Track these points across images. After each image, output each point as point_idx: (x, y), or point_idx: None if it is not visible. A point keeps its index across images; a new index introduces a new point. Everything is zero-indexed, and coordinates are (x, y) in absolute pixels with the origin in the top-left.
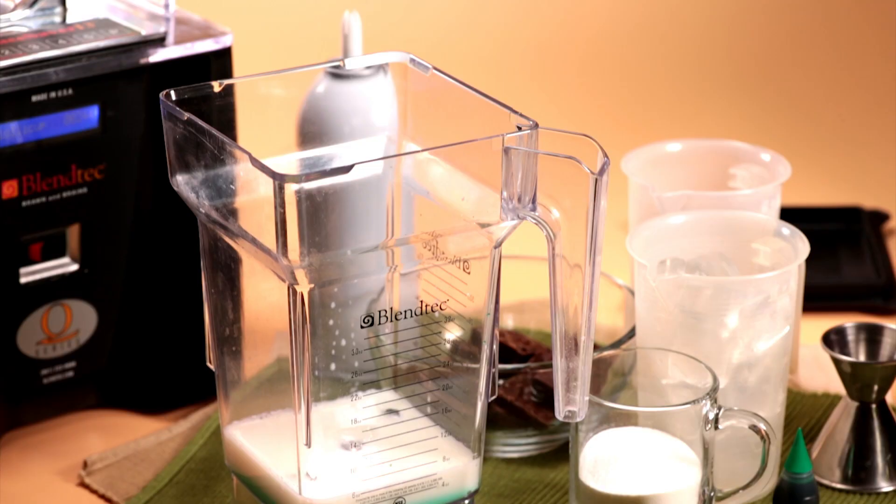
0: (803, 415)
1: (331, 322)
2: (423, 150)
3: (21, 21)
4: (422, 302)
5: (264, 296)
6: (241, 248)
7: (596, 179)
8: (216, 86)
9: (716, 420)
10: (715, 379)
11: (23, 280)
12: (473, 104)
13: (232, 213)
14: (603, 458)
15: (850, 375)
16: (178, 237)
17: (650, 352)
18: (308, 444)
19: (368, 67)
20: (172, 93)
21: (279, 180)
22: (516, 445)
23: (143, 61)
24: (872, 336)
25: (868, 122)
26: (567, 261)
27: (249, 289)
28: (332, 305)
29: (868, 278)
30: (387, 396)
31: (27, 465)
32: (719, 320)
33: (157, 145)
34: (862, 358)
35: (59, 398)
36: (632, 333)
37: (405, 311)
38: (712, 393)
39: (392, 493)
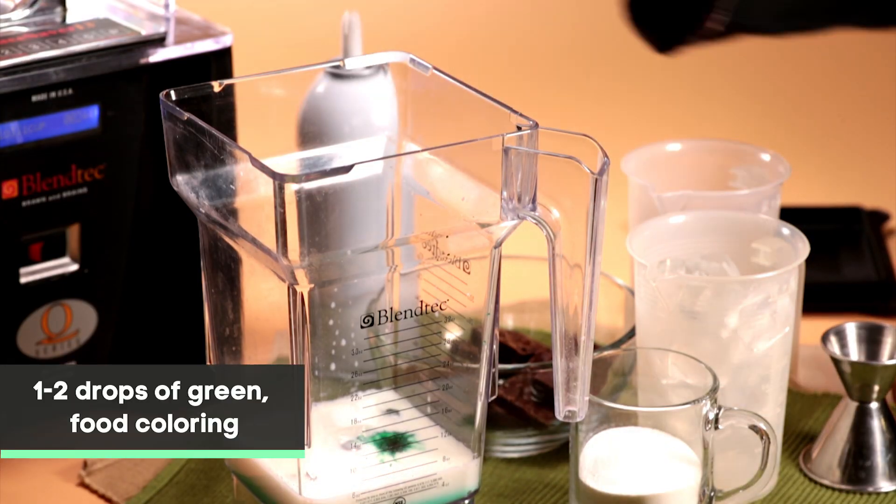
0: (803, 415)
1: (331, 322)
2: (423, 150)
3: (21, 21)
4: (422, 302)
5: (264, 296)
6: (241, 248)
7: (596, 179)
8: (216, 86)
9: (716, 420)
10: (715, 379)
11: (23, 280)
12: (473, 104)
13: (232, 213)
14: (603, 458)
15: (850, 375)
16: (178, 237)
17: (650, 352)
18: (308, 445)
19: (368, 67)
20: (172, 93)
21: (279, 180)
22: (516, 445)
23: (143, 61)
24: (872, 336)
25: (868, 123)
26: (567, 261)
27: (249, 289)
28: (332, 305)
29: (868, 278)
30: (387, 396)
31: (27, 465)
32: (719, 320)
33: (157, 145)
34: (862, 358)
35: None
36: (632, 333)
37: (405, 311)
38: (712, 393)
39: (392, 493)
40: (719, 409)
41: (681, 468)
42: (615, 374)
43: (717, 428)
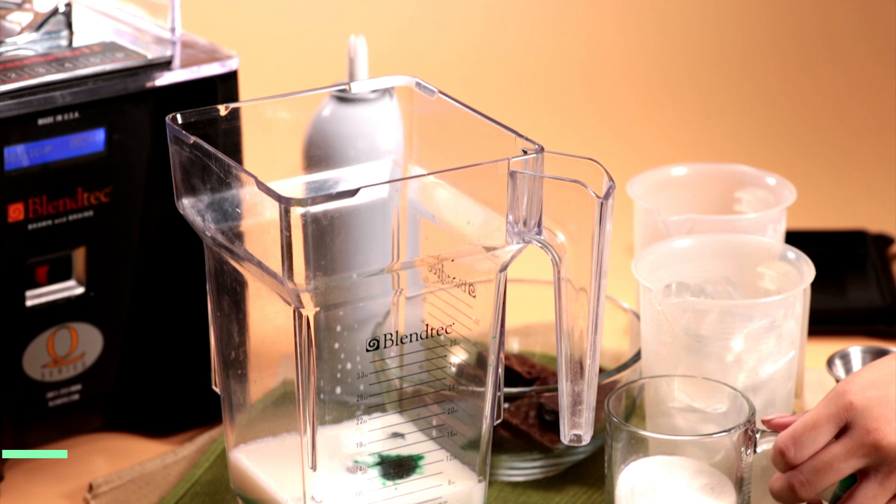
0: None
1: (336, 345)
2: (428, 174)
3: (27, 44)
4: (427, 325)
5: (270, 319)
6: (246, 271)
7: (601, 203)
8: (222, 109)
9: (754, 444)
10: (751, 404)
11: (29, 303)
12: (479, 128)
13: (238, 236)
14: (640, 488)
15: None
16: (184, 260)
17: (656, 374)
18: (313, 468)
19: (374, 91)
20: (178, 116)
21: (285, 204)
22: (521, 469)
23: (149, 85)
24: (877, 360)
25: (873, 146)
26: (572, 284)
27: (255, 312)
28: (338, 329)
29: (873, 302)
30: (392, 420)
31: (33, 488)
32: (724, 344)
33: (163, 169)
34: None
35: (64, 421)
36: (637, 357)
37: (410, 335)
38: (752, 417)
39: None
40: (758, 432)
41: (719, 494)
42: (622, 399)
43: (755, 452)
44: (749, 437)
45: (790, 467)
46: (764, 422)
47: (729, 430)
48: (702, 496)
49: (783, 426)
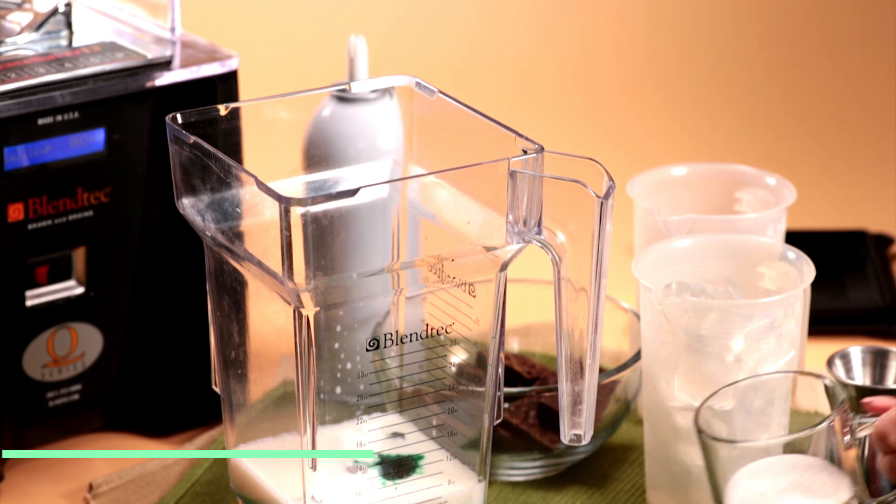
0: None
1: (336, 345)
2: (428, 174)
3: (27, 44)
4: (427, 325)
5: (270, 319)
6: (246, 271)
7: (601, 203)
8: (222, 109)
9: (852, 431)
10: (846, 388)
11: (29, 303)
12: (479, 128)
13: (238, 236)
14: (749, 497)
15: (855, 399)
16: (184, 260)
17: (656, 375)
18: (313, 468)
19: (374, 91)
20: (178, 116)
21: (285, 203)
22: (521, 469)
23: (149, 84)
24: (878, 360)
25: (873, 146)
26: (572, 284)
27: (255, 312)
28: (338, 329)
29: (873, 302)
30: (392, 420)
31: (32, 488)
32: (724, 344)
33: (163, 168)
34: (867, 382)
35: (64, 421)
36: (637, 357)
37: (410, 335)
38: (844, 404)
39: None
40: (854, 418)
41: (831, 488)
42: (617, 399)
43: (854, 439)
44: (846, 424)
45: (891, 451)
46: (863, 404)
47: (827, 420)
48: (816, 493)
49: (884, 409)
